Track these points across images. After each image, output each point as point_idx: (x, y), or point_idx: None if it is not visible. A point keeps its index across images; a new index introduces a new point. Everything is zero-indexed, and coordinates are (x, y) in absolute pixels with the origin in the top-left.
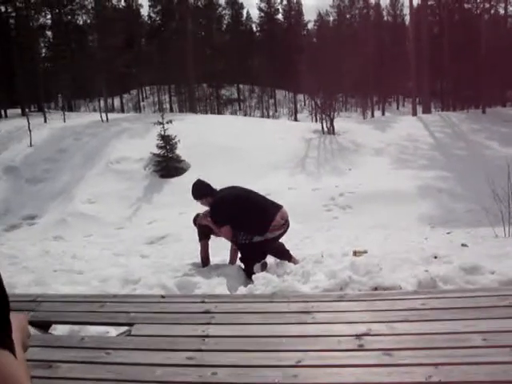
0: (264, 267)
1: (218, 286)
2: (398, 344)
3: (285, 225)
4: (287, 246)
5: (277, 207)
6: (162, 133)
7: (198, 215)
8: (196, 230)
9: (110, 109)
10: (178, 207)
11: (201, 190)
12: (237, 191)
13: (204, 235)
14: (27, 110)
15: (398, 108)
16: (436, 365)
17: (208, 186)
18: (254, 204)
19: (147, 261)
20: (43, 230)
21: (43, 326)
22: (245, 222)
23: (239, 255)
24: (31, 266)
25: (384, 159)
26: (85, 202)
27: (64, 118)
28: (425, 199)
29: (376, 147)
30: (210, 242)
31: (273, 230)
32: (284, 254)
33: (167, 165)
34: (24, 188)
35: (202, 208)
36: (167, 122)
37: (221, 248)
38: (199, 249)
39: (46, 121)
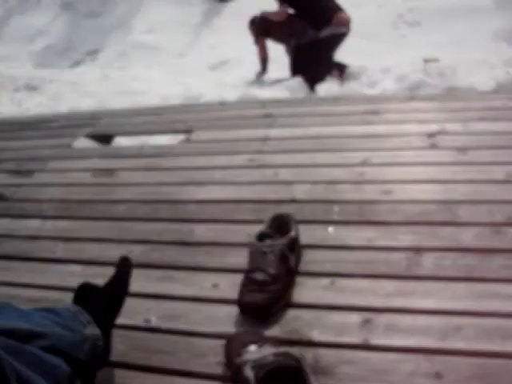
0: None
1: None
2: (475, 142)
3: (349, 24)
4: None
5: None
6: None
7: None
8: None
9: None
10: (239, 31)
11: None
12: None
13: (261, 31)
14: None
15: None
16: None
17: None
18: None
19: (209, 82)
20: (106, 63)
21: (103, 139)
22: (312, 14)
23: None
24: (92, 91)
25: None
26: (144, 33)
27: None
28: (503, 12)
29: None
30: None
31: (339, 23)
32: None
33: None
34: (82, 23)
35: None
36: None
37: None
38: (257, 50)
39: None
